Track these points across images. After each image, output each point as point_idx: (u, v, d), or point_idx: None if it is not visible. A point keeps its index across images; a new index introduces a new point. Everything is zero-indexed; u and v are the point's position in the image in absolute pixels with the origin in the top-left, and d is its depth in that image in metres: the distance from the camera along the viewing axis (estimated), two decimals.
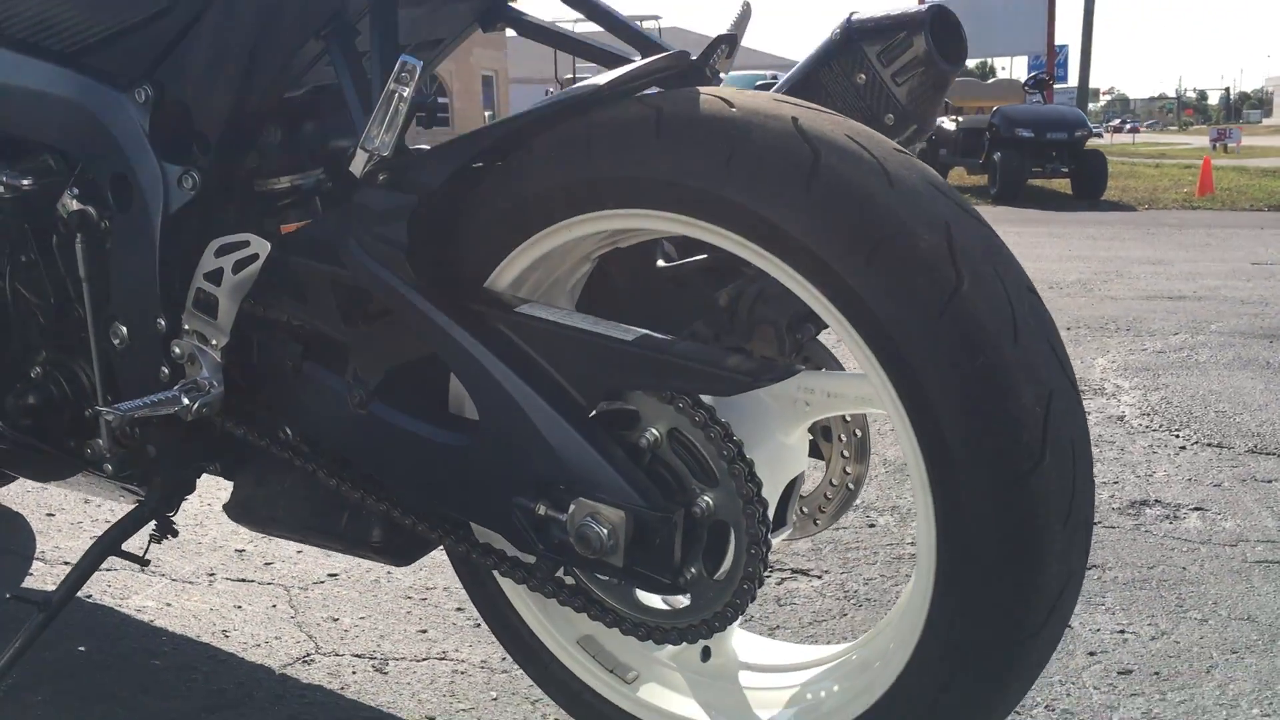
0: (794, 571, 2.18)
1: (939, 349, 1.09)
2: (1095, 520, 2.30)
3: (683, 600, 1.36)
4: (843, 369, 1.43)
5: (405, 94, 1.20)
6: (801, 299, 1.34)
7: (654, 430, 1.26)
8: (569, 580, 1.41)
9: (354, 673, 1.76)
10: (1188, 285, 6.17)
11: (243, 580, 2.10)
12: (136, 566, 2.06)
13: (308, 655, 1.81)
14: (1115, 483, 2.81)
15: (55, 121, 1.58)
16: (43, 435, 1.74)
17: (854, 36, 1.43)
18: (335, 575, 2.13)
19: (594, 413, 1.28)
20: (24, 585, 2.08)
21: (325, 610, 1.97)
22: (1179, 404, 3.57)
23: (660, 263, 1.51)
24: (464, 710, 1.65)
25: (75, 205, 1.60)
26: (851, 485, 1.46)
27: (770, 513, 1.26)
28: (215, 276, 1.48)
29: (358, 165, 1.26)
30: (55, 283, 1.66)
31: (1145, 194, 13.83)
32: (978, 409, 1.10)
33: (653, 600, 1.37)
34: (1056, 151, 12.44)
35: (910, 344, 1.10)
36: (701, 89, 1.26)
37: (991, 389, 1.09)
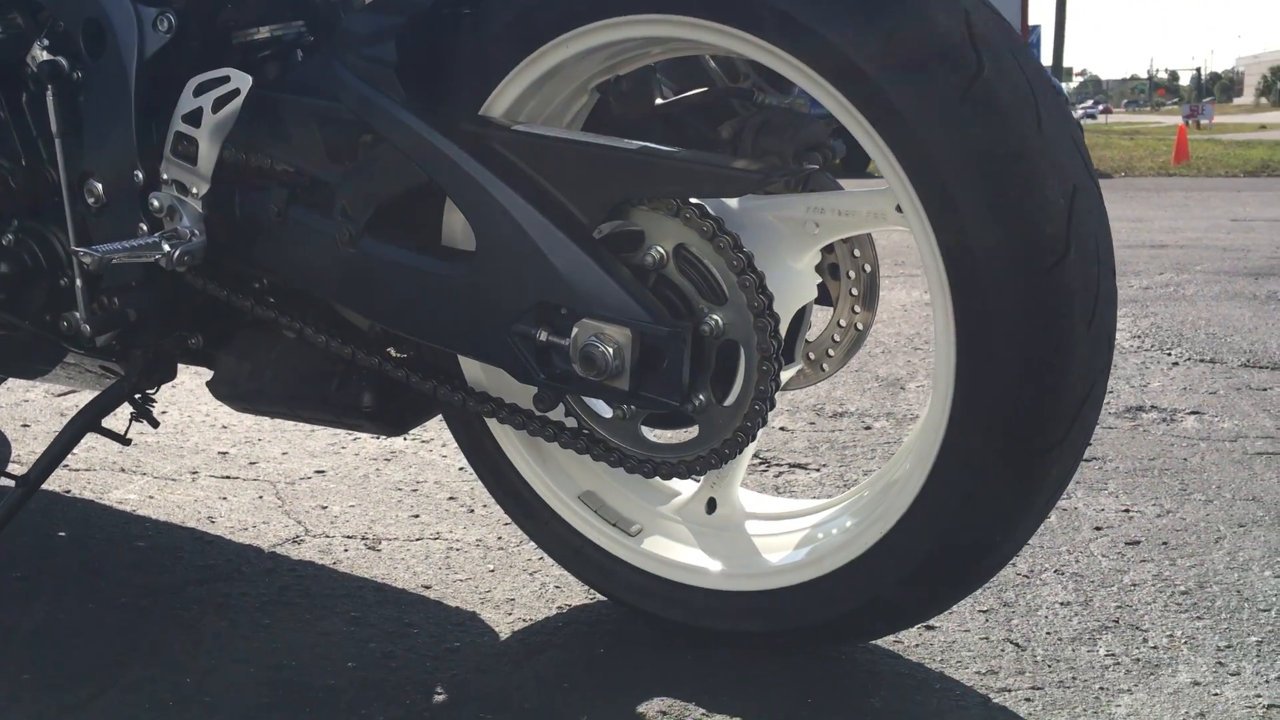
0: (792, 466, 2.14)
1: (961, 136, 1.05)
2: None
3: (685, 434, 1.31)
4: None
5: None
6: (811, 123, 1.30)
7: (659, 248, 1.21)
8: (569, 423, 1.36)
9: (345, 551, 1.70)
10: (1169, 237, 6.17)
11: (227, 477, 2.04)
12: (117, 466, 2.00)
13: (297, 537, 1.75)
14: (1110, 392, 2.77)
15: None
16: (17, 311, 1.67)
17: None
18: (322, 471, 2.07)
19: (597, 233, 1.22)
20: (1, 485, 2.01)
21: (314, 500, 1.92)
22: (1169, 328, 3.55)
23: (658, 100, 1.45)
24: (460, 580, 1.60)
25: (45, 56, 1.53)
26: (860, 326, 1.41)
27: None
28: (194, 118, 1.42)
29: None
30: (25, 143, 1.59)
31: (1121, 163, 13.86)
32: (1001, 198, 1.05)
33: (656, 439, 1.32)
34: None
35: (931, 132, 1.05)
36: None
37: (1016, 177, 1.05)
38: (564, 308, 1.22)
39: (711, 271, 1.19)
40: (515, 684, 1.31)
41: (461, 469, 2.09)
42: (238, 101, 1.39)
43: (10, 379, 2.38)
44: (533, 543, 1.52)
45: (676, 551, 1.40)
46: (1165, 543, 1.76)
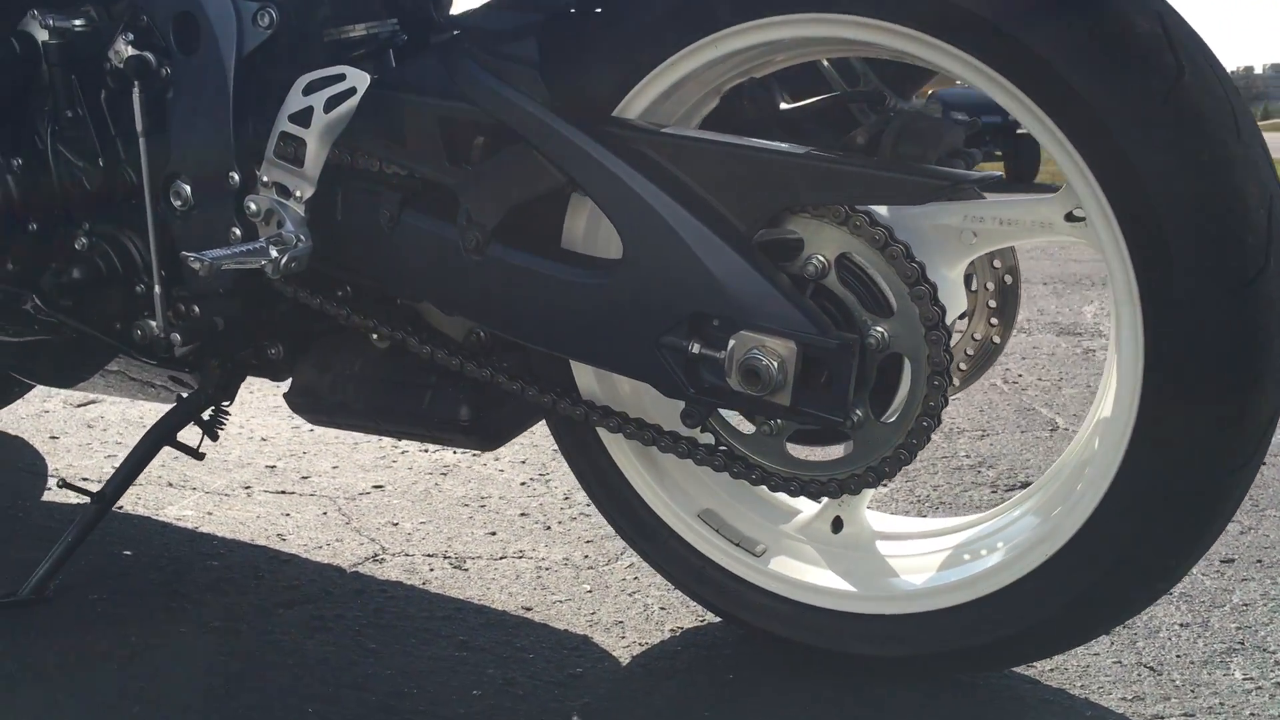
0: None
1: (1160, 141, 1.00)
2: None
3: (835, 450, 1.26)
4: None
5: None
6: (952, 129, 1.25)
7: (821, 257, 1.16)
8: (704, 439, 1.30)
9: (431, 570, 1.63)
10: None
11: (282, 492, 1.96)
12: (164, 480, 1.92)
13: (376, 555, 1.68)
14: None
15: None
16: (86, 318, 1.59)
17: None
18: (381, 486, 2.00)
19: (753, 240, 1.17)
20: (42, 500, 1.92)
21: (381, 516, 1.84)
22: None
23: (782, 105, 1.40)
24: (560, 602, 1.53)
25: (131, 51, 1.45)
26: (996, 340, 1.37)
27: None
28: (303, 118, 1.35)
29: None
30: (104, 142, 1.51)
31: None
32: (1203, 208, 1.01)
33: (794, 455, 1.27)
34: (990, 135, 12.48)
35: (1128, 136, 1.01)
36: None
37: (1217, 186, 1.01)
38: (717, 319, 1.16)
39: (876, 282, 1.14)
40: (653, 712, 1.25)
41: (524, 483, 2.02)
42: (353, 101, 1.32)
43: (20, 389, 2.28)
44: (639, 562, 1.47)
45: (805, 572, 1.35)
46: (1259, 560, 1.73)
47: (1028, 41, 1.03)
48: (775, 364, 1.13)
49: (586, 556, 1.69)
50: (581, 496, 1.94)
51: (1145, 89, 1.01)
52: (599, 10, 1.23)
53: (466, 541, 1.74)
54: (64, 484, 1.58)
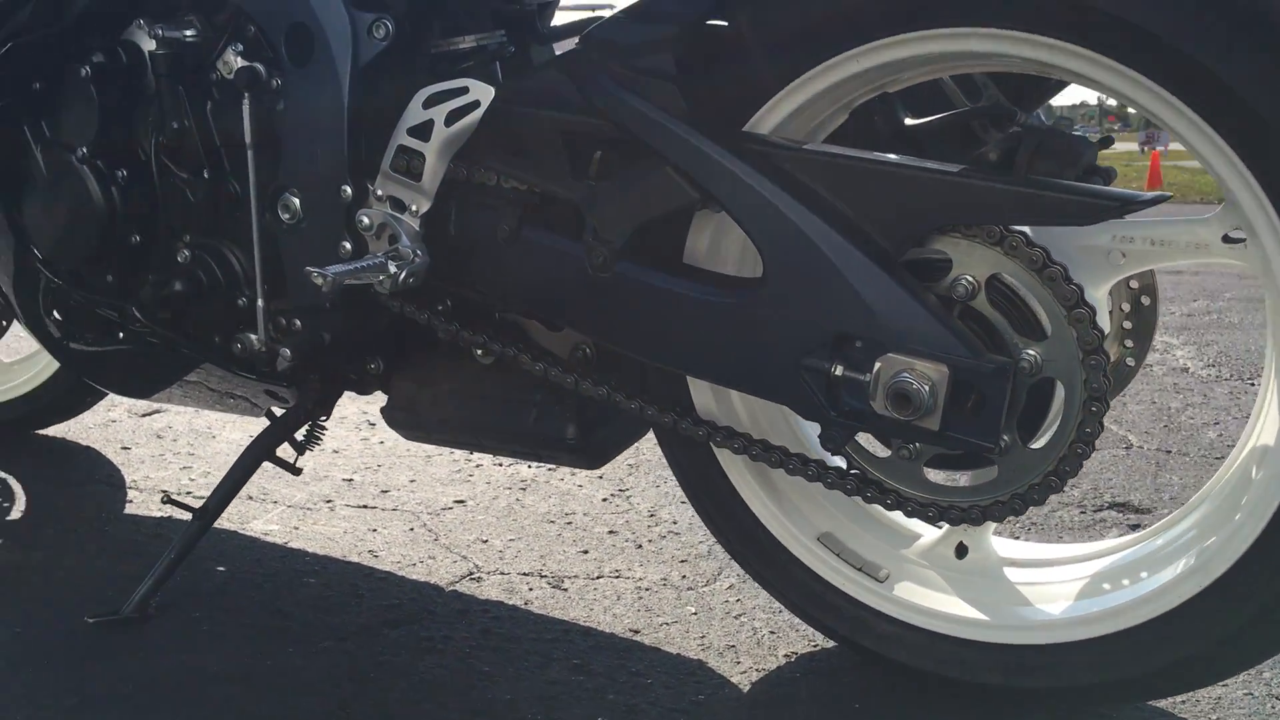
0: None
1: None
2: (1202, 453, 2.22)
3: (964, 478, 1.23)
4: None
5: None
6: (1089, 147, 1.23)
7: (970, 278, 1.13)
8: (833, 461, 1.27)
9: (530, 589, 1.60)
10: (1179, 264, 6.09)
11: (364, 507, 1.94)
12: (243, 494, 1.90)
13: (472, 574, 1.66)
14: (1216, 423, 2.72)
15: None
16: (181, 330, 1.57)
17: None
18: (462, 502, 1.97)
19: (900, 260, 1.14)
20: (126, 512, 1.90)
21: (468, 533, 1.82)
22: (1237, 356, 3.50)
23: (906, 120, 1.37)
24: (666, 624, 1.51)
25: (240, 62, 1.43)
26: (1131, 362, 1.34)
27: None
28: (423, 131, 1.33)
29: None
30: (209, 154, 1.49)
31: None
32: None
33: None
34: None
35: None
36: None
37: None
38: (861, 340, 1.13)
39: (1029, 303, 1.11)
40: None
41: (605, 499, 1.99)
42: (476, 115, 1.30)
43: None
44: (739, 583, 1.44)
45: (933, 599, 1.31)
46: None
47: (1200, 59, 1.00)
48: (926, 388, 1.10)
49: (684, 576, 1.66)
50: (667, 514, 1.91)
51: None
52: (735, 22, 1.20)
53: (560, 560, 1.72)
54: (168, 500, 1.55)
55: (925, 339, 1.10)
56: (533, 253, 1.32)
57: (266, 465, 1.57)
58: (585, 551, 1.76)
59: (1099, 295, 1.21)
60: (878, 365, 1.12)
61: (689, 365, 1.26)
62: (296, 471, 1.62)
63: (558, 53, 1.60)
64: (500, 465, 2.16)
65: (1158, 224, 1.17)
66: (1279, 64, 0.98)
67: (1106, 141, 1.44)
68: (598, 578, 1.66)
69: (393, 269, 1.33)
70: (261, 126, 1.43)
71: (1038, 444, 1.15)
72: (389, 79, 1.38)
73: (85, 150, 1.50)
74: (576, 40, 1.40)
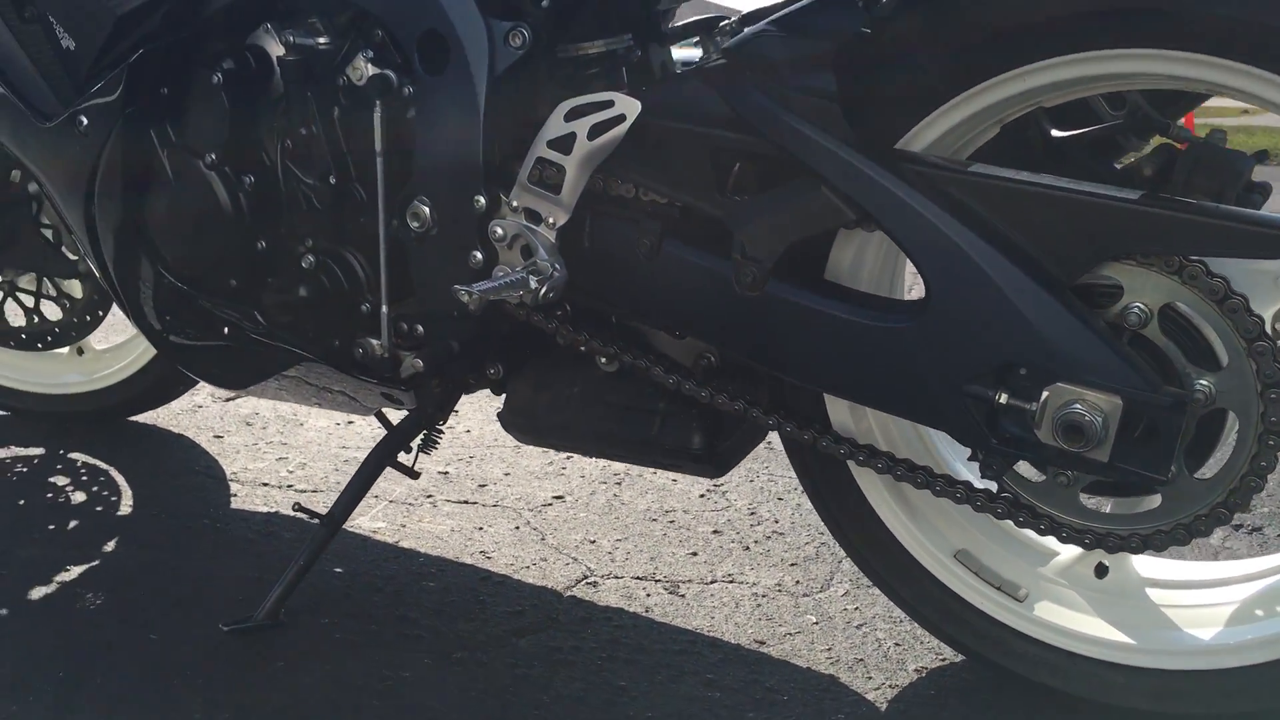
0: None
1: None
2: None
3: (1123, 504, 1.22)
4: None
5: None
6: (1247, 163, 1.20)
7: (1142, 306, 1.11)
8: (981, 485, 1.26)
9: (648, 595, 1.60)
10: None
11: (465, 502, 1.94)
12: (339, 486, 1.91)
13: (586, 577, 1.66)
14: None
15: None
16: (301, 334, 1.56)
17: None
18: (561, 497, 1.97)
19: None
20: (232, 507, 1.91)
21: (574, 532, 1.82)
22: None
23: (1053, 133, 1.35)
24: (790, 634, 1.50)
25: (372, 69, 1.42)
26: None
27: None
28: (564, 144, 1.31)
29: None
30: (337, 160, 1.48)
31: None
32: None
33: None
34: None
35: None
36: None
37: None
38: (1026, 368, 1.12)
39: (1202, 333, 1.09)
40: None
41: (702, 495, 1.99)
42: (621, 129, 1.28)
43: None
44: (854, 589, 1.44)
45: (1074, 620, 1.31)
46: None
47: None
48: (1099, 419, 1.08)
49: (798, 582, 1.66)
50: (768, 511, 1.91)
51: None
52: (896, 38, 1.18)
53: (670, 563, 1.71)
54: (298, 508, 1.56)
55: (1097, 369, 1.08)
56: (676, 269, 1.30)
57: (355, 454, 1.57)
58: (694, 554, 1.75)
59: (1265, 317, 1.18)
60: (1045, 394, 1.11)
61: (843, 388, 1.24)
62: (415, 475, 1.62)
63: (676, 54, 1.58)
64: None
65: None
66: None
67: (1263, 155, 1.41)
68: (711, 582, 1.66)
69: (533, 284, 1.32)
70: (392, 134, 1.42)
71: (1206, 474, 1.13)
72: (527, 88, 1.36)
73: (213, 156, 1.49)
74: (715, 50, 1.39)
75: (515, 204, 1.36)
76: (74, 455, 2.10)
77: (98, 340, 2.25)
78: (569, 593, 1.61)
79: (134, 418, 2.30)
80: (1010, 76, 1.14)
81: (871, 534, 1.39)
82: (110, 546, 1.74)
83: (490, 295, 1.29)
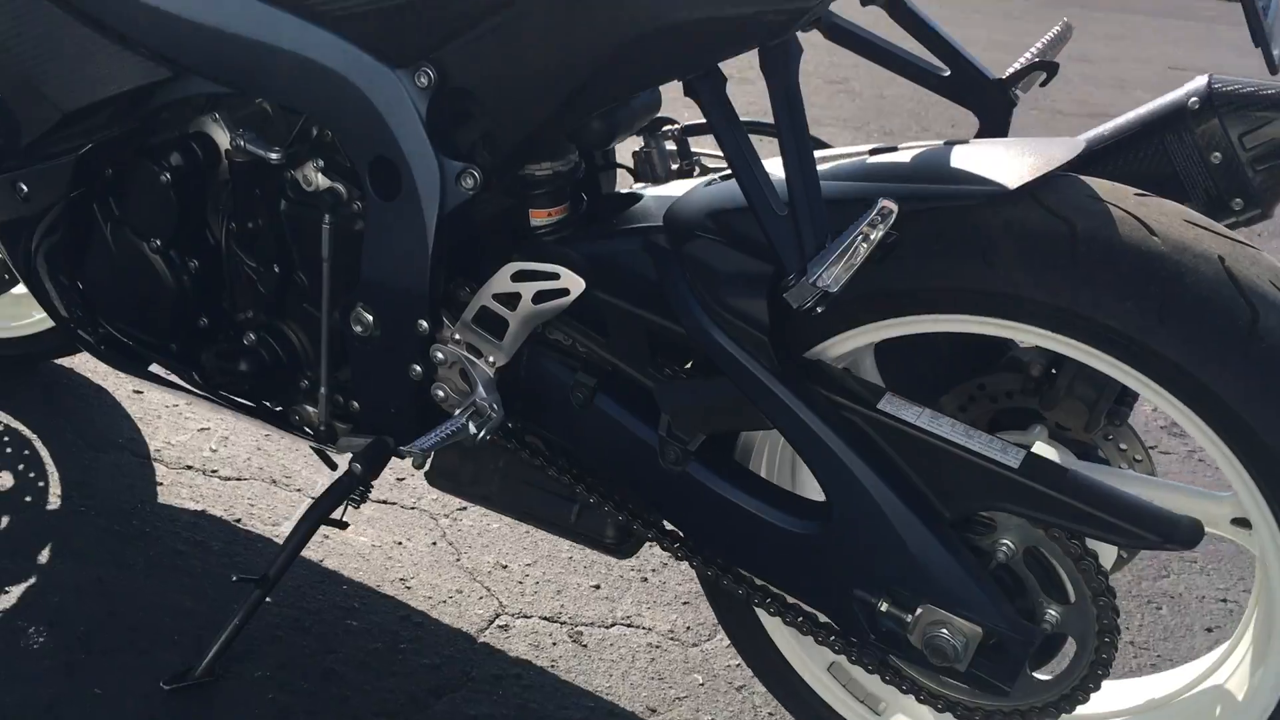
0: None
1: None
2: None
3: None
4: (1148, 453, 1.44)
5: (874, 237, 1.10)
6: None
7: (1008, 544, 1.26)
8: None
9: (554, 643, 1.77)
10: (1124, 97, 5.85)
11: (385, 502, 2.06)
12: (269, 476, 2.01)
13: (498, 616, 1.81)
14: None
15: (309, 90, 1.40)
16: (238, 392, 1.64)
17: (1218, 109, 1.36)
18: None
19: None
20: (160, 501, 2.00)
21: (487, 552, 1.96)
22: None
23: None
24: (679, 699, 1.69)
25: (323, 181, 1.46)
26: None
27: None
28: (508, 300, 1.38)
29: (797, 297, 1.16)
30: (282, 252, 1.52)
31: None
32: None
33: None
34: None
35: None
36: (1107, 199, 1.20)
37: None
38: (908, 588, 1.27)
39: (1059, 573, 1.26)
40: None
41: None
42: (565, 302, 1.35)
43: None
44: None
45: None
46: None
47: (1253, 425, 1.12)
48: (961, 643, 1.25)
49: (689, 628, 1.84)
50: None
51: None
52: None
53: (574, 598, 1.88)
54: (240, 579, 1.66)
55: (964, 601, 1.24)
56: (606, 426, 1.40)
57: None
58: (597, 587, 1.92)
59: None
60: (919, 611, 1.27)
61: (743, 564, 1.38)
62: (344, 526, 1.73)
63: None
64: None
65: (1181, 494, 1.30)
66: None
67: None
68: (611, 626, 1.83)
69: (473, 429, 1.41)
70: (339, 242, 1.47)
71: (1045, 677, 1.32)
72: (476, 231, 1.42)
73: (158, 241, 1.52)
74: (657, 161, 1.44)
75: (458, 337, 1.43)
76: None
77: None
78: (482, 638, 1.77)
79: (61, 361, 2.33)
80: (914, 320, 1.26)
81: (755, 638, 1.56)
82: (44, 557, 1.83)
83: (433, 448, 1.38)
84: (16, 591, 1.75)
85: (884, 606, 1.29)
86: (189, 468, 2.10)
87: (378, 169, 1.40)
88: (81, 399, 2.27)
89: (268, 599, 1.64)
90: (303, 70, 1.38)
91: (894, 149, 1.34)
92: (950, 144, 1.30)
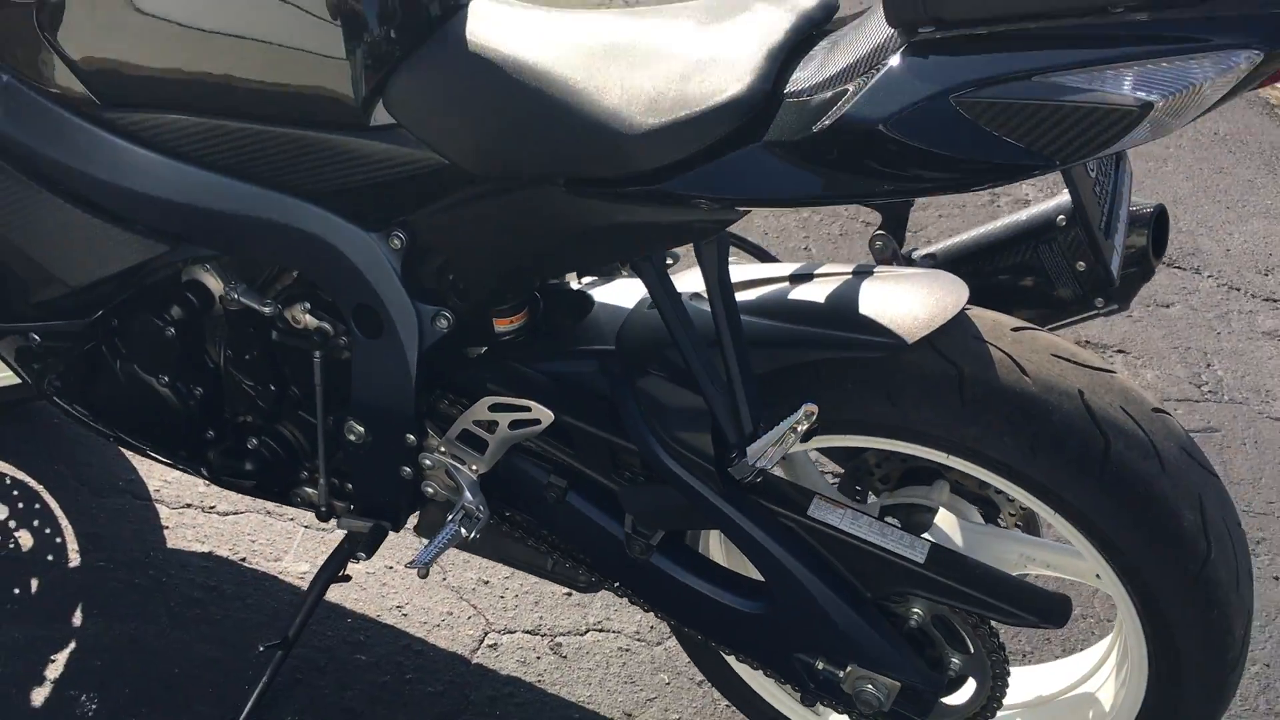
0: None
1: (1189, 604, 1.41)
2: None
3: None
4: None
5: (800, 430, 1.33)
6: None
7: (919, 612, 1.55)
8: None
9: (538, 657, 2.05)
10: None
11: None
12: (263, 508, 2.22)
13: (486, 635, 2.08)
14: None
15: (295, 252, 1.57)
16: (245, 485, 1.85)
17: (1081, 225, 1.58)
18: None
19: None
20: (169, 547, 2.21)
21: (469, 569, 2.21)
22: None
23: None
24: (650, 700, 1.99)
25: (311, 320, 1.64)
26: None
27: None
28: (487, 426, 1.59)
29: (739, 472, 1.39)
30: (276, 374, 1.71)
31: None
32: (1208, 643, 1.43)
33: None
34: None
35: (1168, 601, 1.41)
36: (988, 338, 1.44)
37: (1222, 631, 1.43)
38: (839, 655, 1.55)
39: (961, 635, 1.54)
40: None
41: None
42: (537, 429, 1.57)
43: None
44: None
45: None
46: None
47: (1109, 532, 1.39)
48: (883, 694, 1.54)
49: (652, 628, 2.13)
50: None
51: (1183, 570, 1.39)
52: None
53: (551, 609, 2.15)
54: (265, 648, 1.88)
55: (885, 663, 1.53)
56: (578, 520, 1.64)
57: None
58: (569, 594, 2.19)
59: None
60: (849, 668, 1.55)
61: (705, 634, 1.66)
62: (347, 579, 1.97)
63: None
64: None
65: (1054, 552, 1.59)
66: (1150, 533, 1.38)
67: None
68: (585, 633, 2.11)
69: (464, 532, 1.64)
70: (330, 371, 1.66)
71: (955, 702, 1.62)
72: (453, 367, 1.62)
73: (166, 378, 1.70)
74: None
75: (444, 449, 1.65)
76: None
77: None
78: (475, 659, 2.04)
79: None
80: (845, 437, 1.50)
81: (710, 659, 1.85)
82: (79, 619, 2.05)
83: (434, 558, 1.61)
84: (62, 659, 1.98)
85: (820, 665, 1.57)
86: (189, 506, 2.31)
87: (360, 313, 1.59)
88: (76, 441, 2.44)
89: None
90: (288, 236, 1.54)
91: (810, 277, 1.55)
92: (859, 275, 1.52)
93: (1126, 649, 1.57)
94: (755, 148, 1.25)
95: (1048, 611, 1.46)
